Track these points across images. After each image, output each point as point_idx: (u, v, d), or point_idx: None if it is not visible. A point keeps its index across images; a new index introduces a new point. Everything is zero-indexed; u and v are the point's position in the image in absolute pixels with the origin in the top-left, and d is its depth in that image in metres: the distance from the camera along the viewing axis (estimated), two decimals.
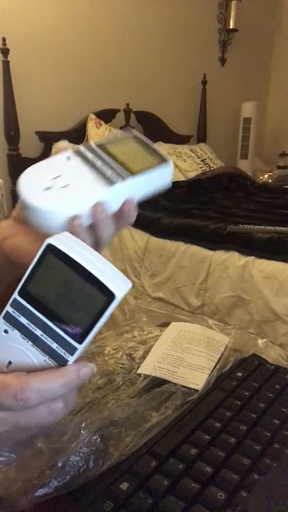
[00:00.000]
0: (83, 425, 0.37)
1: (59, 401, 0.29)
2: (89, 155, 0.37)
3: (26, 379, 0.28)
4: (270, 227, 1.46)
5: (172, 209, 1.83)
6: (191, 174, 2.55)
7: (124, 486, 0.33)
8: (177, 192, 2.19)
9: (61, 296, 0.29)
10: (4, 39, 2.03)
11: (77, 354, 0.29)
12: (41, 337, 0.30)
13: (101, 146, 0.39)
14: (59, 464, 0.34)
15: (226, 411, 0.42)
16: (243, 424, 0.40)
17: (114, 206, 0.37)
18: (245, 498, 0.32)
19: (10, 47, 2.04)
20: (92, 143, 0.39)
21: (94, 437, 0.37)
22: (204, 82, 3.00)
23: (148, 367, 0.52)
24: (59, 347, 0.29)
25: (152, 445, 0.37)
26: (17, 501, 0.32)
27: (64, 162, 0.37)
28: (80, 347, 0.29)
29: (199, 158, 2.67)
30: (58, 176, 0.35)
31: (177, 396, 0.45)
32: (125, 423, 0.40)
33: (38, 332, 0.30)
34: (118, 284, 0.29)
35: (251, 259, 1.36)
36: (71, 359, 0.29)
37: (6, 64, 2.04)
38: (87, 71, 2.46)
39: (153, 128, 2.76)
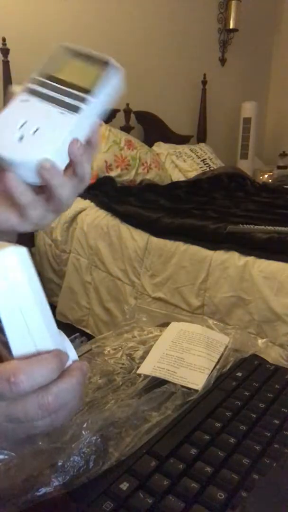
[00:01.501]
0: (84, 425, 0.37)
1: (49, 394, 0.29)
2: (43, 90, 0.38)
3: (18, 364, 0.29)
4: (270, 227, 1.46)
5: (172, 209, 1.83)
6: (191, 174, 2.56)
7: (124, 486, 0.33)
8: (177, 192, 2.19)
9: None
10: (4, 39, 2.03)
11: (13, 340, 0.29)
12: None
13: (46, 75, 0.39)
14: (59, 464, 0.34)
15: (226, 411, 0.42)
16: (243, 424, 0.40)
17: (83, 132, 0.37)
18: (245, 498, 0.32)
19: (10, 47, 2.04)
20: (35, 76, 0.39)
21: (95, 438, 0.37)
22: (204, 82, 3.00)
23: (148, 367, 0.52)
24: (7, 340, 0.30)
25: (152, 445, 0.37)
26: (17, 500, 0.32)
27: (24, 106, 0.37)
28: (3, 329, 0.29)
29: (199, 158, 2.67)
30: (25, 123, 0.35)
31: (177, 396, 0.45)
32: (125, 423, 0.40)
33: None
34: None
35: (251, 259, 1.36)
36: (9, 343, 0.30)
37: (6, 64, 2.04)
38: None
39: (153, 128, 2.76)
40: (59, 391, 0.30)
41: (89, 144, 0.38)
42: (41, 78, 0.38)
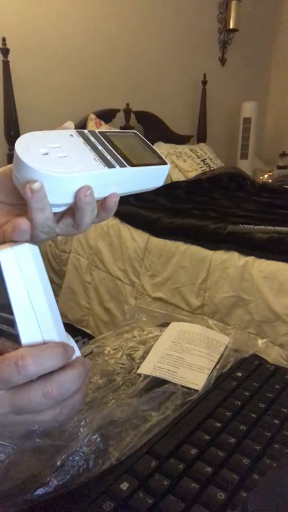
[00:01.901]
0: (82, 423, 0.37)
1: (52, 382, 0.30)
2: (92, 138, 0.38)
3: (25, 349, 0.30)
4: (270, 227, 1.46)
5: (172, 209, 1.83)
6: (191, 174, 2.56)
7: (124, 486, 0.33)
8: (177, 192, 2.19)
9: None
10: (4, 39, 2.03)
11: (19, 331, 0.31)
12: (7, 330, 0.32)
13: (104, 135, 0.40)
14: (59, 463, 0.34)
15: (226, 411, 0.42)
16: (243, 424, 0.40)
17: (101, 192, 0.37)
18: (245, 498, 0.32)
19: (10, 47, 2.04)
20: (96, 130, 0.40)
21: (94, 437, 0.37)
22: (204, 82, 3.00)
23: (148, 367, 0.52)
24: (15, 329, 0.31)
25: (152, 445, 0.37)
26: (17, 500, 0.32)
27: (66, 137, 0.38)
28: (14, 319, 0.31)
29: (199, 158, 2.67)
30: (58, 147, 0.36)
31: (177, 396, 0.45)
32: (125, 423, 0.40)
33: (4, 327, 0.33)
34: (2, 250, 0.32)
35: (251, 259, 1.36)
36: (18, 332, 0.31)
37: (6, 64, 2.05)
38: (87, 71, 2.46)
39: (153, 128, 2.76)
40: (62, 380, 0.31)
41: (103, 207, 0.38)
42: (99, 134, 0.39)
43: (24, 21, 2.17)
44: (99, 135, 0.39)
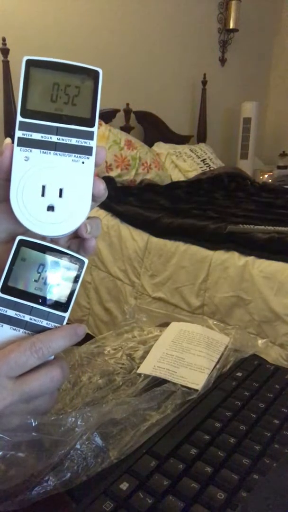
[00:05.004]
0: (80, 419, 0.37)
1: (57, 368, 0.34)
2: (36, 136, 0.32)
3: (35, 336, 0.33)
4: (270, 227, 1.46)
5: (172, 209, 1.83)
6: (191, 174, 2.55)
7: (124, 486, 0.33)
8: (177, 192, 2.19)
9: (40, 279, 0.34)
10: (4, 39, 2.03)
11: (65, 322, 0.35)
12: (31, 321, 0.34)
13: (34, 113, 0.32)
14: (58, 462, 0.34)
15: (226, 411, 0.42)
16: (243, 424, 0.40)
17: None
18: (245, 498, 0.32)
19: (10, 47, 2.04)
20: (22, 118, 0.32)
21: (93, 435, 0.37)
22: (204, 82, 3.00)
23: (148, 367, 0.52)
24: (49, 322, 0.34)
25: (152, 445, 0.37)
26: (15, 498, 0.32)
27: (29, 165, 0.32)
28: (67, 315, 0.35)
29: (199, 158, 2.67)
30: (44, 186, 0.33)
31: (177, 396, 0.45)
32: (125, 422, 0.40)
33: (27, 318, 0.34)
34: (82, 255, 0.35)
35: (251, 259, 1.36)
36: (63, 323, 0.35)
37: (6, 64, 2.04)
38: None
39: (153, 128, 2.76)
40: (64, 366, 0.35)
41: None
42: (30, 120, 0.32)
43: (24, 21, 2.17)
44: (36, 122, 0.32)
